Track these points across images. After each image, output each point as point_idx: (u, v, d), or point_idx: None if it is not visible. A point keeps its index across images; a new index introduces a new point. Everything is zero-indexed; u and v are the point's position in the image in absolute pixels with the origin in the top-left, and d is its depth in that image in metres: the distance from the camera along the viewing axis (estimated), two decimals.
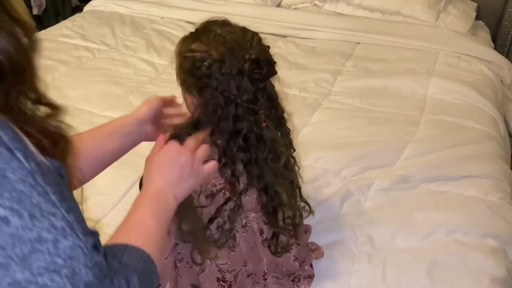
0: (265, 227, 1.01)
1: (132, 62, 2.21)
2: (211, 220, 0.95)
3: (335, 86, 2.05)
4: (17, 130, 0.47)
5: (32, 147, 0.47)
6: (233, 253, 1.00)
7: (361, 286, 1.17)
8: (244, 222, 1.01)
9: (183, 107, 0.98)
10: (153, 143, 0.86)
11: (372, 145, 1.66)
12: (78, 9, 3.15)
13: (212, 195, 0.94)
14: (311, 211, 1.08)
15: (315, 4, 2.68)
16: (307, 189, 1.33)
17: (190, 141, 0.82)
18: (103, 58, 2.24)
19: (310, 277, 1.14)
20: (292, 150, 1.03)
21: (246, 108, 0.88)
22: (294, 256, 1.09)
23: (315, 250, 1.21)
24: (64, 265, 0.46)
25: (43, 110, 0.52)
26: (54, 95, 0.54)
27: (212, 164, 0.83)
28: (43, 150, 0.50)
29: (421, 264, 1.21)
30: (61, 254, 0.46)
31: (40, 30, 2.59)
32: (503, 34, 2.70)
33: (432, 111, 1.88)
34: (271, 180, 0.94)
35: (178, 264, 1.02)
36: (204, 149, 0.83)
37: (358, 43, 2.42)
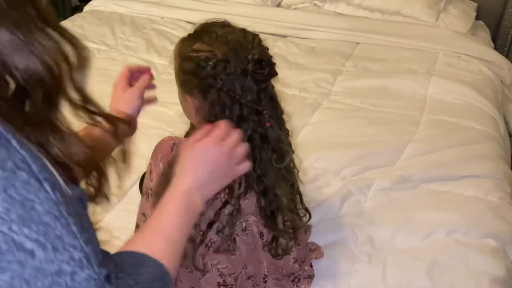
0: (265, 230, 1.01)
1: (132, 62, 2.21)
2: (210, 224, 0.94)
3: (335, 86, 2.05)
4: (45, 160, 0.48)
5: (58, 176, 0.48)
6: (233, 256, 1.00)
7: (361, 286, 1.17)
8: (244, 225, 1.00)
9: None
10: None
11: (372, 145, 1.65)
12: (78, 9, 3.15)
13: (210, 199, 0.94)
14: (310, 218, 1.08)
15: (315, 4, 2.68)
16: (307, 189, 1.33)
17: (231, 140, 0.79)
18: (103, 58, 2.24)
19: (310, 277, 1.14)
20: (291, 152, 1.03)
21: (250, 108, 0.88)
22: (294, 258, 1.09)
23: (315, 250, 1.21)
24: None
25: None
26: None
27: (247, 165, 0.81)
28: (71, 178, 0.51)
29: (421, 264, 1.21)
30: (77, 287, 0.47)
31: None
32: (503, 34, 2.70)
33: (432, 111, 1.88)
34: (272, 183, 0.93)
35: (178, 269, 1.02)
36: (243, 149, 0.80)
37: (358, 43, 2.42)
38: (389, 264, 1.22)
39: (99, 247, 0.53)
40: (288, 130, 1.00)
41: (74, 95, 0.53)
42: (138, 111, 0.94)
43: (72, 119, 0.55)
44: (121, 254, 0.63)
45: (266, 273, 1.05)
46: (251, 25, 0.95)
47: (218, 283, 1.00)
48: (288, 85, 2.00)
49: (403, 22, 2.49)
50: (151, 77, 0.98)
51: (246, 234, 1.00)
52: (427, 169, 1.53)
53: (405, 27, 2.45)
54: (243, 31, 0.91)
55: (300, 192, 1.04)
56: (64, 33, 0.50)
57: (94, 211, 0.59)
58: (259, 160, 0.91)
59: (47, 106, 0.50)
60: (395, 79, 2.07)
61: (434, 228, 1.31)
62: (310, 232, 1.25)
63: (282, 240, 1.01)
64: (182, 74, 0.92)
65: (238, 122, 0.88)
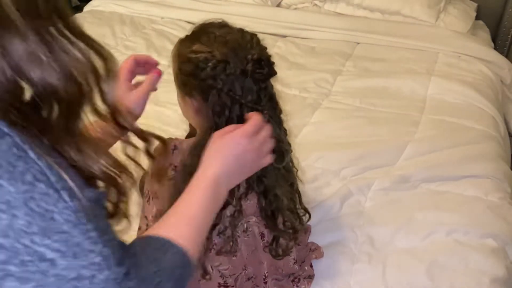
0: (266, 231, 1.01)
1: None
2: (212, 226, 0.94)
3: (335, 86, 2.05)
4: (60, 170, 0.48)
5: (72, 184, 0.49)
6: (234, 257, 0.99)
7: (361, 286, 1.17)
8: (245, 226, 1.00)
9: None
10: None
11: (372, 145, 1.66)
12: (78, 9, 3.15)
13: None
14: (309, 218, 1.08)
15: (315, 4, 2.68)
16: (307, 189, 1.33)
17: (262, 135, 0.80)
18: None
19: (310, 277, 1.14)
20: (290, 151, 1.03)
21: (250, 108, 0.88)
22: (294, 259, 1.09)
23: (315, 250, 1.21)
24: None
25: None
26: None
27: (270, 158, 0.83)
28: (88, 178, 0.52)
29: (421, 264, 1.21)
30: None
31: None
32: (503, 34, 2.70)
33: (432, 111, 1.88)
34: (272, 183, 0.93)
35: None
36: (271, 145, 0.82)
37: (358, 43, 2.41)
38: (389, 264, 1.22)
39: (118, 243, 0.54)
40: (286, 130, 1.00)
41: (101, 106, 0.54)
42: (141, 114, 0.93)
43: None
44: (146, 239, 0.63)
45: (266, 274, 1.05)
46: (251, 25, 0.95)
47: (219, 283, 1.00)
48: (288, 85, 2.00)
49: (403, 22, 2.49)
50: (159, 75, 0.95)
51: (247, 235, 1.00)
52: (427, 169, 1.53)
53: (405, 27, 2.45)
54: (241, 31, 0.91)
55: (299, 191, 1.05)
56: (91, 43, 0.50)
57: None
58: None
59: (67, 117, 0.50)
60: (395, 79, 2.06)
61: (434, 228, 1.31)
62: (310, 232, 1.25)
63: (282, 241, 1.01)
64: (182, 76, 0.91)
65: (238, 122, 0.88)
